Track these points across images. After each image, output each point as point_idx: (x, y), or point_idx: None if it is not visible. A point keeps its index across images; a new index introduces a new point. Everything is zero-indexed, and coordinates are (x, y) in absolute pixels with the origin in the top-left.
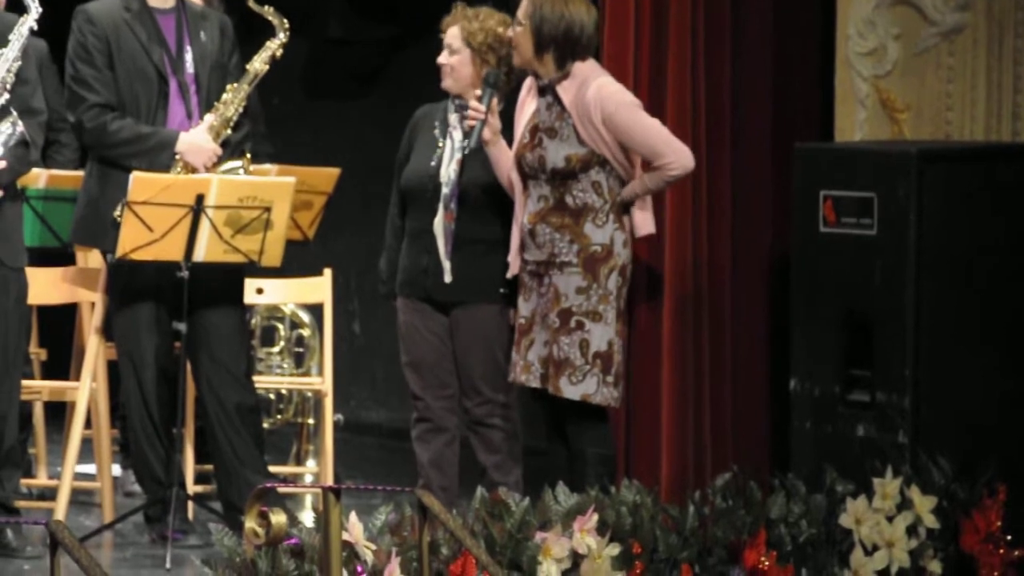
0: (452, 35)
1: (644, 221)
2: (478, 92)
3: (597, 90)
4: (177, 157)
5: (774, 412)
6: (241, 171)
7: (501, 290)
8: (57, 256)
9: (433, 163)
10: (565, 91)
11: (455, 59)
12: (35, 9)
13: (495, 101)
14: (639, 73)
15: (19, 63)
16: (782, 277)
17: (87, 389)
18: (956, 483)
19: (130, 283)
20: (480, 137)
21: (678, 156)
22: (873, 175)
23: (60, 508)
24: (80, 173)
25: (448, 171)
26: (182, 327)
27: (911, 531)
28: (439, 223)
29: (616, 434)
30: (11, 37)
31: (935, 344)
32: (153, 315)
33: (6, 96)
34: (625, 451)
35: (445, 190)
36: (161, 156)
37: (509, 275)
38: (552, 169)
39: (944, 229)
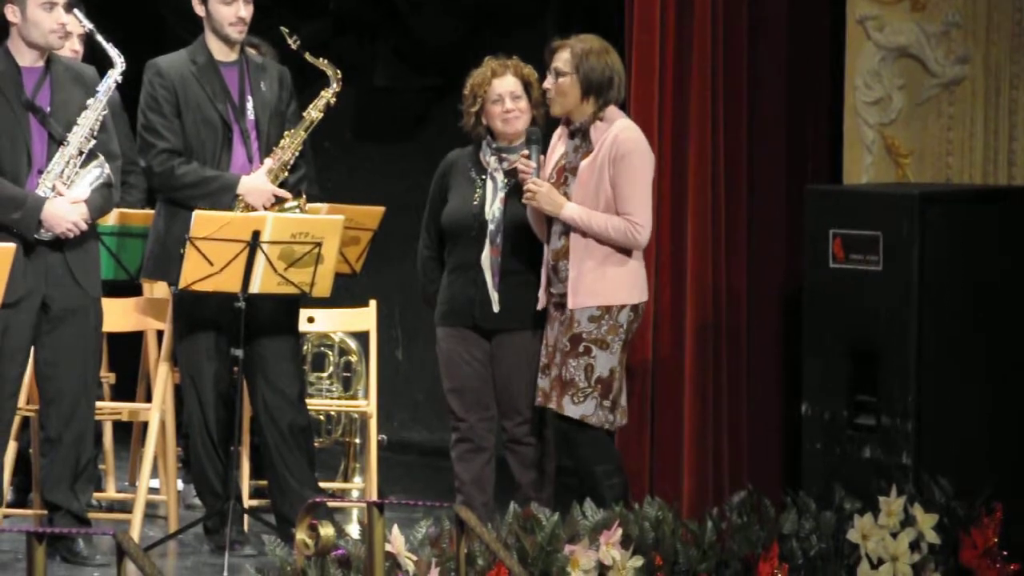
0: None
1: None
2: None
3: (621, 130)
4: (238, 198)
5: (787, 434)
6: (297, 210)
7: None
8: (125, 287)
9: (476, 203)
10: (597, 131)
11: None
12: (120, 63)
13: (542, 157)
14: (663, 119)
15: (106, 112)
16: (794, 309)
17: (159, 410)
18: (956, 502)
19: (192, 313)
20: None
21: (646, 224)
22: (879, 215)
23: (136, 520)
24: (148, 212)
25: (493, 210)
26: (239, 353)
27: (914, 546)
28: (486, 257)
29: (640, 454)
30: (99, 88)
31: (936, 372)
32: (213, 342)
33: (93, 142)
34: (649, 470)
35: (491, 227)
36: (223, 198)
37: (539, 307)
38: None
39: (944, 265)
